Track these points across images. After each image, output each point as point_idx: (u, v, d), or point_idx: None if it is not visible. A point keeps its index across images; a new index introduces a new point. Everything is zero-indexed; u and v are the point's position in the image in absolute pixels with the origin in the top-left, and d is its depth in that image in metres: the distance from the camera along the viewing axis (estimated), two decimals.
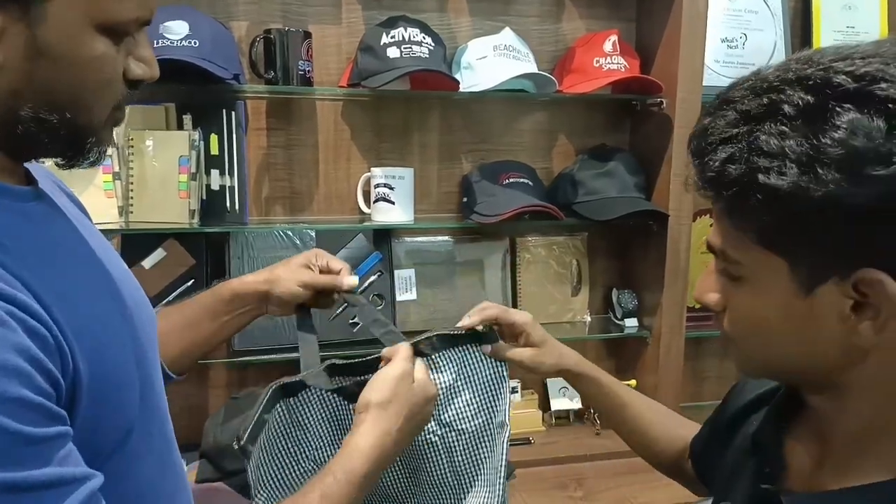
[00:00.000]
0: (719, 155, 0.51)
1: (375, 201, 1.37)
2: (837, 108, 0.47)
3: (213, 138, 1.31)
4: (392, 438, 0.76)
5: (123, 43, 0.54)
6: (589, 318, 1.62)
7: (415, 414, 0.79)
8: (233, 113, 1.31)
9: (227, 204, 1.32)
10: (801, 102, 0.48)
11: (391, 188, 1.36)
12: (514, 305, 1.57)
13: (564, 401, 1.61)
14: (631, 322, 1.56)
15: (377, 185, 1.37)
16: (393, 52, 1.29)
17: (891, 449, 0.53)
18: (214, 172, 1.32)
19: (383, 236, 1.47)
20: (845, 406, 0.55)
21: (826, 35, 1.65)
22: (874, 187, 0.45)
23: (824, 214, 0.47)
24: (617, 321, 1.58)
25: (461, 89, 1.36)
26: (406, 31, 1.30)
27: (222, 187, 1.33)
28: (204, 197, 1.31)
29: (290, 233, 1.40)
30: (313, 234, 1.41)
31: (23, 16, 0.48)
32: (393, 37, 1.30)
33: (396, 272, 1.48)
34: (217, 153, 1.32)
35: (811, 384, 0.58)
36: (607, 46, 1.42)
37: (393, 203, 1.37)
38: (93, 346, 0.53)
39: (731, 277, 0.56)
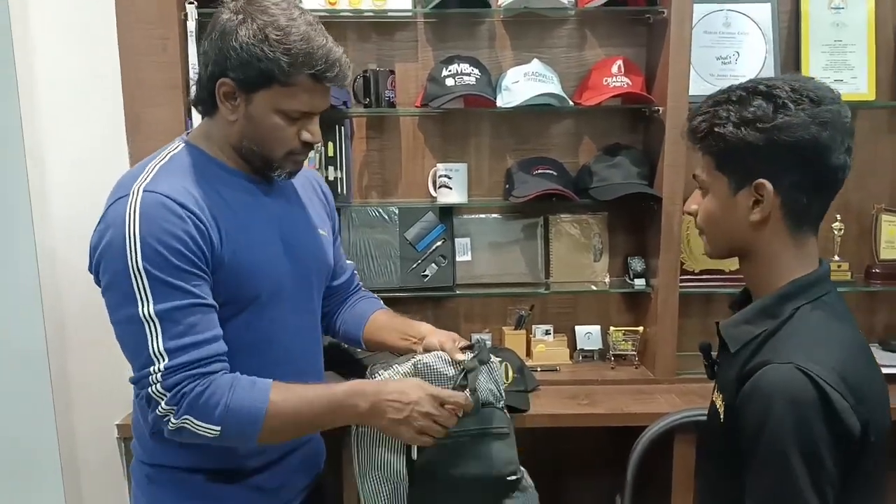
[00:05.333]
0: (697, 119, 1.03)
1: (439, 187, 1.92)
2: (753, 98, 0.95)
3: (330, 145, 1.92)
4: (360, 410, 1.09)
5: (299, 120, 1.08)
6: (608, 280, 2.06)
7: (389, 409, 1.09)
8: (343, 127, 1.91)
9: (339, 190, 1.92)
10: (736, 97, 0.97)
11: (450, 178, 1.91)
12: (547, 269, 2.06)
13: (588, 343, 2.07)
14: (640, 282, 1.99)
15: (440, 176, 1.92)
16: (450, 82, 1.84)
17: (764, 291, 1.01)
18: (331, 168, 1.92)
19: (447, 213, 2.01)
20: (754, 267, 1.03)
21: (815, 49, 1.98)
22: (763, 135, 0.94)
23: (742, 152, 0.96)
24: (629, 281, 2.02)
25: (501, 105, 1.87)
26: (459, 66, 1.84)
27: (336, 178, 1.92)
28: None
29: (380, 210, 1.98)
30: (397, 211, 1.98)
31: (246, 97, 1.06)
32: (450, 70, 1.84)
33: (456, 240, 2.02)
34: (332, 155, 1.92)
35: (740, 252, 1.05)
36: (614, 69, 1.88)
37: (451, 189, 1.91)
38: (235, 249, 1.07)
39: (702, 191, 1.06)
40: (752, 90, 0.96)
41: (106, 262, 1.02)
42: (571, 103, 1.89)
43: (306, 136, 1.11)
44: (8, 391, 1.59)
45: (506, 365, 1.83)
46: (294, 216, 1.22)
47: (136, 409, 1.15)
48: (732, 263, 2.00)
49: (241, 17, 1.04)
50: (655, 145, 1.93)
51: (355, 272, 1.47)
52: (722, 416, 1.04)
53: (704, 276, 2.01)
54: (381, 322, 1.37)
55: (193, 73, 1.76)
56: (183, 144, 1.13)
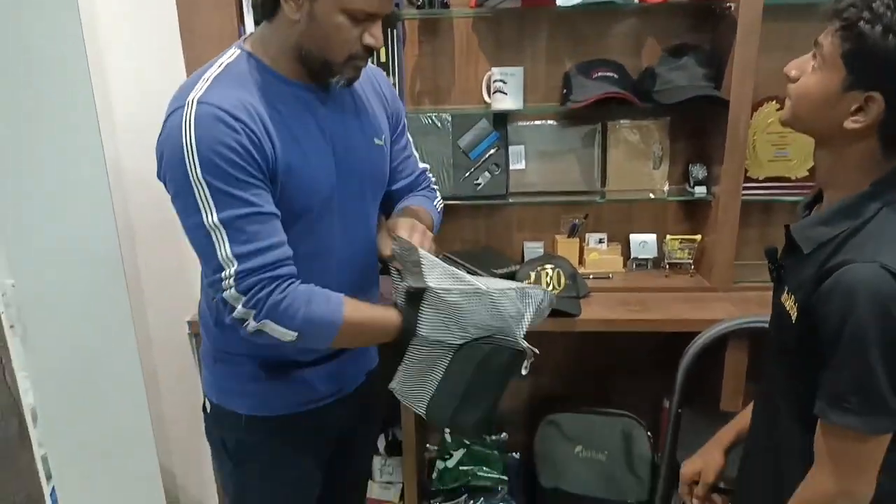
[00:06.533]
0: (846, 1, 0.93)
1: (493, 93, 1.88)
2: None
3: (382, 49, 1.88)
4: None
5: (363, 22, 1.04)
6: (667, 187, 2.01)
7: None
8: (395, 31, 1.86)
9: None
10: None
11: (505, 83, 1.85)
12: (603, 177, 2.02)
13: (643, 251, 2.06)
14: (700, 189, 1.94)
15: (495, 81, 1.87)
16: None
17: (841, 192, 0.99)
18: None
19: (501, 120, 1.97)
20: (831, 162, 1.00)
21: None
22: None
23: (877, 59, 0.89)
24: (689, 189, 1.97)
25: (560, 4, 1.78)
26: None
27: None
28: None
29: (433, 117, 1.96)
30: (450, 118, 1.95)
31: None
32: None
33: (510, 147, 1.99)
34: (385, 60, 1.88)
35: (819, 139, 1.02)
36: None
37: (506, 94, 1.86)
38: (289, 162, 1.08)
39: (814, 62, 0.98)
40: None
41: (171, 173, 1.05)
42: (635, 0, 1.79)
43: (369, 39, 1.07)
44: (87, 294, 1.69)
45: (558, 271, 1.85)
46: (349, 127, 1.21)
47: (203, 300, 1.25)
48: (799, 170, 1.93)
49: None
50: (725, 46, 1.82)
51: (426, 173, 1.42)
52: (794, 318, 1.03)
53: (768, 184, 1.94)
54: (398, 213, 1.35)
55: None
56: (238, 52, 1.12)
